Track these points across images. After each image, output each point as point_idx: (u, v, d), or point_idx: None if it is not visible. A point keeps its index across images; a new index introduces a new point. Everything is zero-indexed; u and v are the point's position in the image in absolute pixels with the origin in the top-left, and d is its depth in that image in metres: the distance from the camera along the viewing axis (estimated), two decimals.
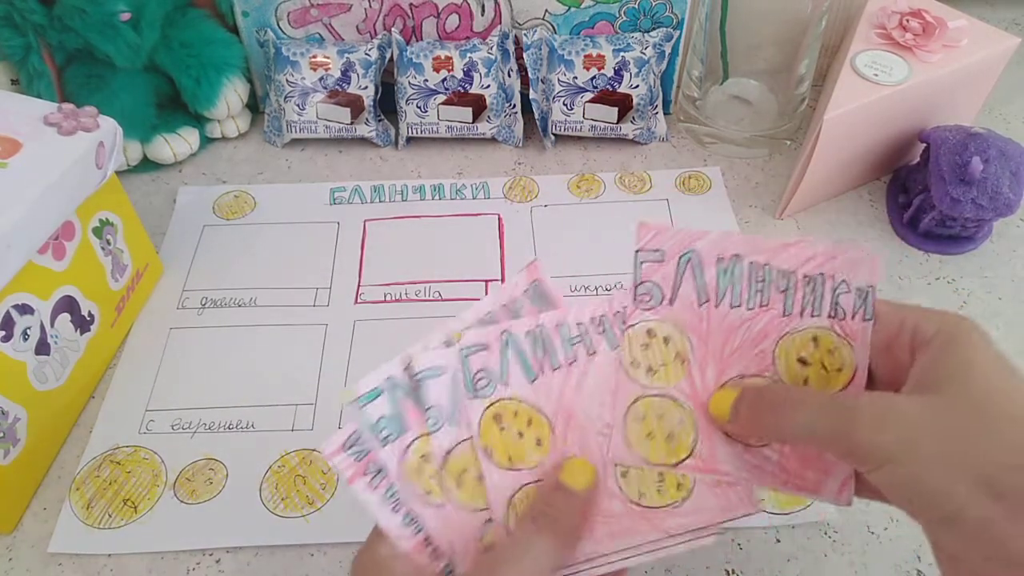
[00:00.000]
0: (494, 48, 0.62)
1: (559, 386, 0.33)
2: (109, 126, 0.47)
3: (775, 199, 0.62)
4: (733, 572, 0.41)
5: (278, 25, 0.63)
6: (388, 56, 0.63)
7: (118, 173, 0.50)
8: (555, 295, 0.34)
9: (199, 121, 0.65)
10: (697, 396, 0.32)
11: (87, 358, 0.49)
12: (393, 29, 0.63)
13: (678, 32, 0.64)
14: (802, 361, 0.32)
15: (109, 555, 0.42)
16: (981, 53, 0.57)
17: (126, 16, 0.56)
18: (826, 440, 0.28)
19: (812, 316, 0.31)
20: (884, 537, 0.43)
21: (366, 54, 0.62)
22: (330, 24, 0.64)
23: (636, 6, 0.62)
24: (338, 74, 0.62)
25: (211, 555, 0.42)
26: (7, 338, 0.42)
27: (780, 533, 0.43)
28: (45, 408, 0.45)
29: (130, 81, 0.59)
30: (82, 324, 0.48)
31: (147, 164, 0.64)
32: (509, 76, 0.63)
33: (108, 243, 0.50)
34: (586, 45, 0.61)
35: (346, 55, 0.62)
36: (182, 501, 0.44)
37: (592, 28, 0.63)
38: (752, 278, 0.32)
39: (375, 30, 0.64)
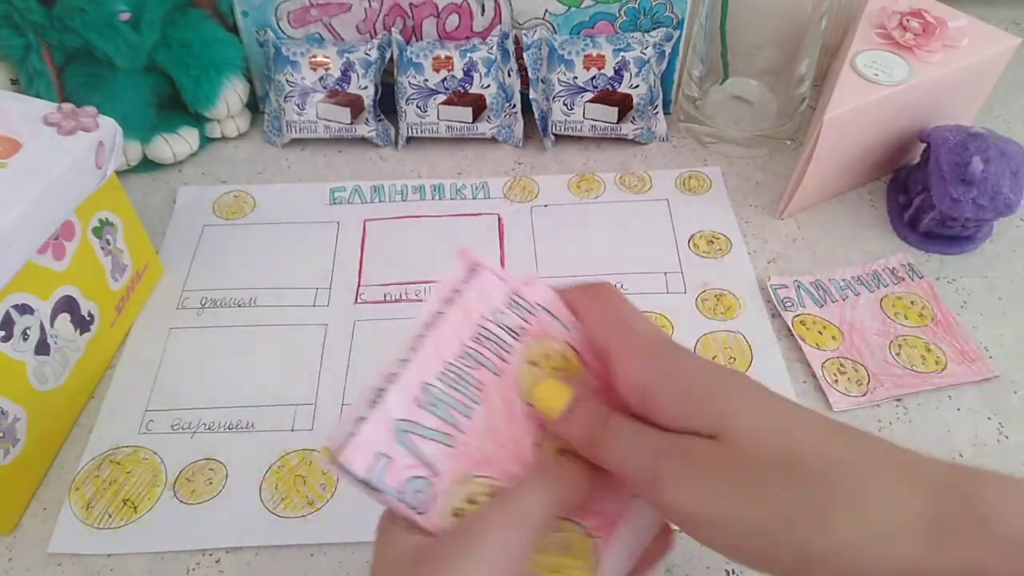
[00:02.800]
0: (494, 48, 0.62)
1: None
2: (109, 126, 0.47)
3: (775, 199, 0.61)
4: (732, 572, 0.41)
5: (278, 25, 0.63)
6: (388, 56, 0.63)
7: (118, 173, 0.50)
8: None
9: (199, 121, 0.65)
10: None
11: (87, 358, 0.48)
12: (393, 29, 0.63)
13: (678, 32, 0.64)
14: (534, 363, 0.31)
15: (109, 555, 0.42)
16: (981, 53, 0.57)
17: (126, 16, 0.56)
18: (638, 486, 0.28)
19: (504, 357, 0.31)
20: None
21: (366, 54, 0.62)
22: (330, 24, 0.64)
23: (636, 6, 0.62)
24: (338, 74, 0.62)
25: (211, 555, 0.42)
26: (7, 338, 0.41)
27: None
28: (45, 408, 0.45)
29: (130, 81, 0.59)
30: (82, 324, 0.48)
31: (147, 164, 0.64)
32: (509, 76, 0.63)
33: (108, 243, 0.50)
34: (586, 45, 0.61)
35: (346, 55, 0.62)
36: (182, 501, 0.44)
37: (592, 28, 0.63)
38: (451, 383, 0.30)
39: (375, 30, 0.64)
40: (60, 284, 0.46)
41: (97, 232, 0.49)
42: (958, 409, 0.48)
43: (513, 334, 0.31)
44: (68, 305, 0.47)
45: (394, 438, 0.28)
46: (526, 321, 0.31)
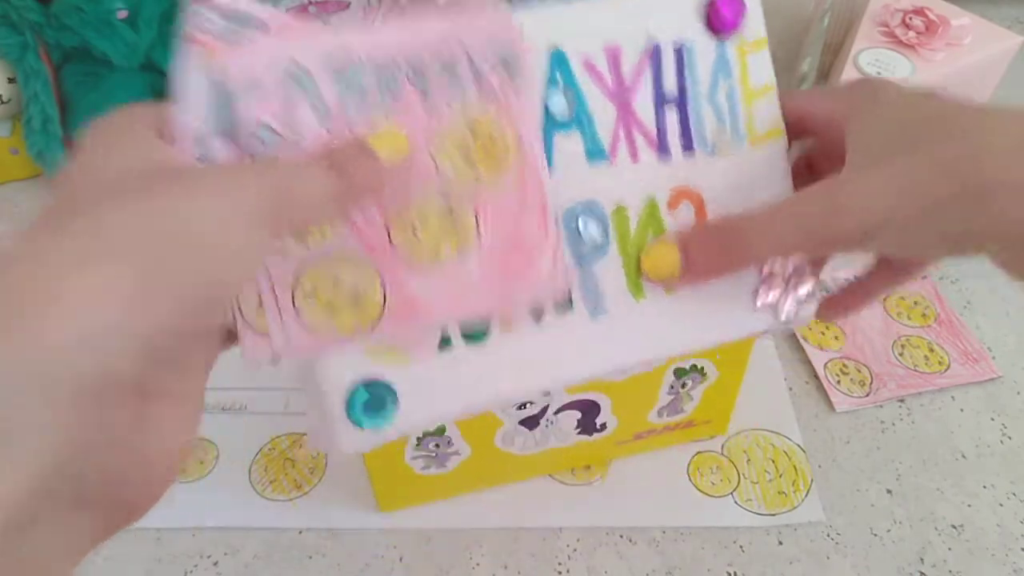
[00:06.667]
0: None
1: None
2: None
3: None
4: (735, 574, 0.41)
5: None
6: None
7: None
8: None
9: None
10: (370, 242, 0.27)
11: None
12: None
13: None
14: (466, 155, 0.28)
15: (104, 559, 0.42)
16: (984, 51, 0.56)
17: (123, 14, 0.56)
18: (807, 245, 0.29)
19: (456, 103, 0.27)
20: (887, 539, 0.42)
21: None
22: (328, 22, 0.63)
23: None
24: None
25: (208, 558, 0.42)
26: None
27: (782, 535, 0.42)
28: None
29: (127, 79, 0.59)
30: None
31: None
32: None
33: None
34: None
35: None
36: None
37: None
38: (380, 79, 0.26)
39: None
40: None
41: None
42: (961, 410, 0.48)
43: (478, 82, 0.27)
44: None
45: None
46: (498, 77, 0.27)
